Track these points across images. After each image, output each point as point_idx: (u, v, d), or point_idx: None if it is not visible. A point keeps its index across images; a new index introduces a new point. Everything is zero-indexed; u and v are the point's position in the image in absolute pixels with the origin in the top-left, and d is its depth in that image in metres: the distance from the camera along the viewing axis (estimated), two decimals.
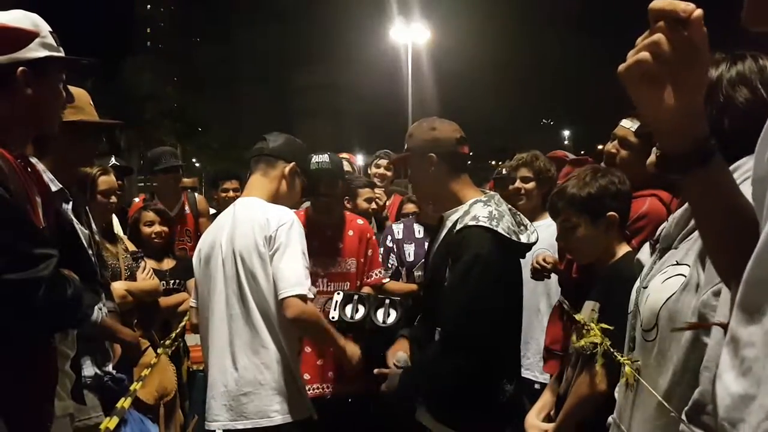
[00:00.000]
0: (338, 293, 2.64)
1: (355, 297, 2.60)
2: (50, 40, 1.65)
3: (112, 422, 2.04)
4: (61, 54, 1.70)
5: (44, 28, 1.66)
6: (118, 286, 2.73)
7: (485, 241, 2.05)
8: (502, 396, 2.15)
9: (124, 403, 2.20)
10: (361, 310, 2.54)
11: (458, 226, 2.11)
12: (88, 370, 2.27)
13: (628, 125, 2.45)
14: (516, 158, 3.36)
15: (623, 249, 2.01)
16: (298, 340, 2.32)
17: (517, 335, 2.32)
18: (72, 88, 2.37)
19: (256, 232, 2.21)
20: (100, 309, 2.25)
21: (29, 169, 1.57)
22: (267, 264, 2.19)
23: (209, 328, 2.31)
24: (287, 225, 2.20)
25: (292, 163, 2.40)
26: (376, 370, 2.31)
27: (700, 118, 0.83)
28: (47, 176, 2.20)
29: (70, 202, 2.34)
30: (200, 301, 2.40)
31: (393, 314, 2.54)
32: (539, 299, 3.15)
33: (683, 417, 1.15)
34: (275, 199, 2.36)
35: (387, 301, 2.59)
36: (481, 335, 2.02)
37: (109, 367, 2.36)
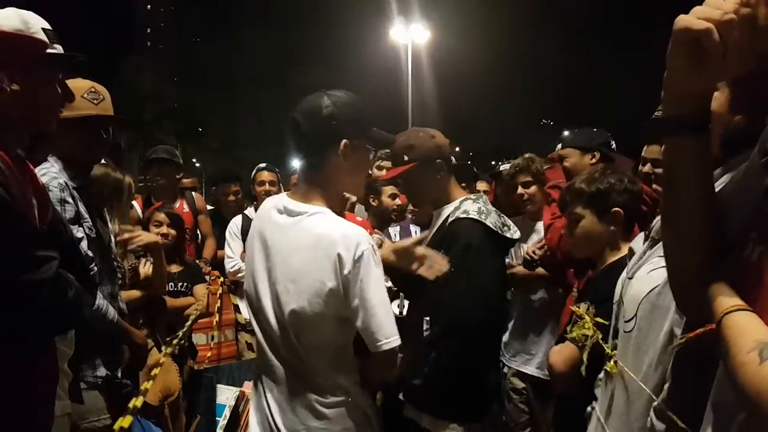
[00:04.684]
0: None
1: None
2: (41, 36, 1.57)
3: (126, 421, 2.02)
4: (55, 51, 1.59)
5: (34, 24, 1.58)
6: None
7: (476, 231, 2.19)
8: (487, 384, 2.27)
9: (136, 402, 2.15)
10: None
11: (450, 220, 2.26)
12: (100, 370, 2.24)
13: (656, 148, 2.45)
14: (512, 165, 3.36)
15: (626, 248, 2.01)
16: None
17: (500, 327, 2.48)
18: (84, 82, 2.34)
19: (325, 267, 1.68)
20: (112, 307, 2.23)
21: (24, 170, 1.54)
22: (330, 305, 1.69)
23: (259, 348, 1.90)
24: (365, 255, 1.67)
25: (344, 141, 1.76)
26: None
27: (710, 97, 0.89)
28: (63, 175, 2.17)
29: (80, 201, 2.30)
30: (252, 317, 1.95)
31: None
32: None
33: (658, 401, 1.17)
34: (344, 203, 1.94)
35: None
36: (476, 320, 2.12)
37: (118, 372, 2.32)
